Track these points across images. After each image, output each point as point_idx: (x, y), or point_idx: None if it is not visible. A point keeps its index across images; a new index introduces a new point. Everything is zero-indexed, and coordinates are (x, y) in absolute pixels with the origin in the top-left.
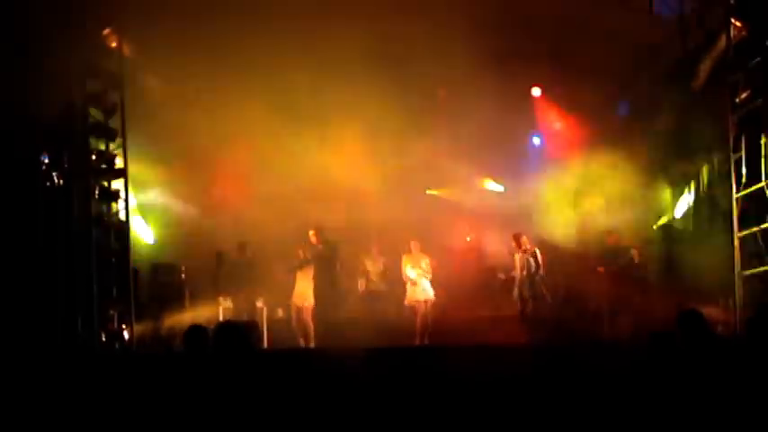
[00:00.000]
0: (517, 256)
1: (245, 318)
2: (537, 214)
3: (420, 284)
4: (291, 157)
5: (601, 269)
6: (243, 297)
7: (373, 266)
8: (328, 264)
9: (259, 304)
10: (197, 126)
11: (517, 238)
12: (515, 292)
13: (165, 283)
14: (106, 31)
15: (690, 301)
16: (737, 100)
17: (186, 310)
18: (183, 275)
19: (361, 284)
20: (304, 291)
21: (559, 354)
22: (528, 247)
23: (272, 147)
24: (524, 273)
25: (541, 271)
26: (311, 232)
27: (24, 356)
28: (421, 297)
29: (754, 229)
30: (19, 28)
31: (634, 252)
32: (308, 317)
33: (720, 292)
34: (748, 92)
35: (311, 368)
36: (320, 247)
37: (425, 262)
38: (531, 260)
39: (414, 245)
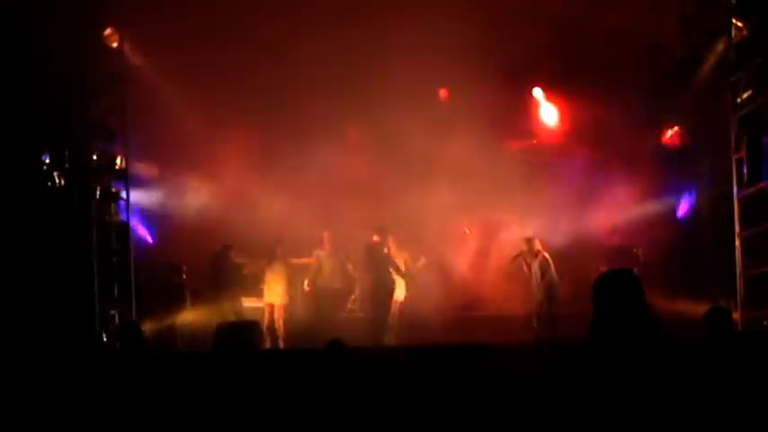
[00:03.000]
0: (532, 261)
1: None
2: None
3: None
4: (293, 156)
5: (603, 268)
6: (226, 298)
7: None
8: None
9: (260, 304)
10: (198, 125)
11: (530, 242)
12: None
13: (166, 283)
14: (107, 31)
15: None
16: (739, 100)
17: (187, 310)
18: (183, 276)
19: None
20: (278, 289)
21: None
22: (539, 250)
23: (273, 145)
24: (540, 278)
25: (553, 269)
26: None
27: (26, 357)
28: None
29: (756, 228)
30: (20, 27)
31: (638, 251)
32: (280, 316)
33: (724, 292)
34: (749, 92)
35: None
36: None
37: (405, 258)
38: (540, 264)
39: (391, 241)
